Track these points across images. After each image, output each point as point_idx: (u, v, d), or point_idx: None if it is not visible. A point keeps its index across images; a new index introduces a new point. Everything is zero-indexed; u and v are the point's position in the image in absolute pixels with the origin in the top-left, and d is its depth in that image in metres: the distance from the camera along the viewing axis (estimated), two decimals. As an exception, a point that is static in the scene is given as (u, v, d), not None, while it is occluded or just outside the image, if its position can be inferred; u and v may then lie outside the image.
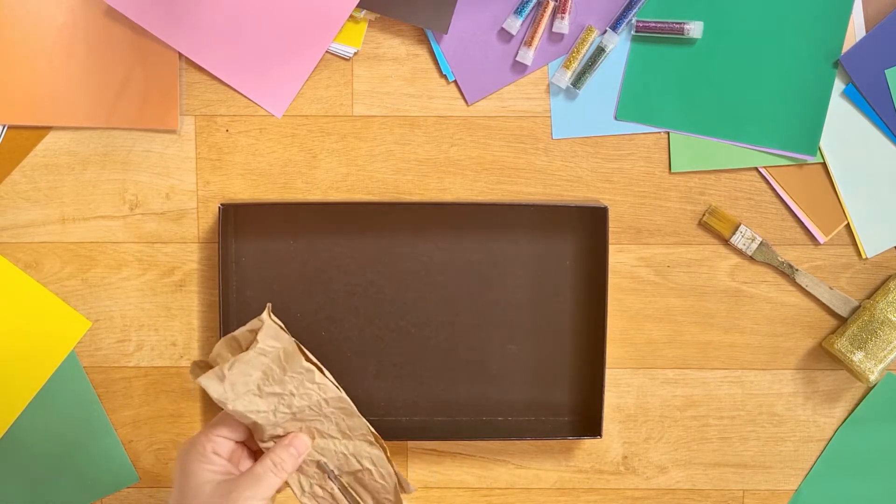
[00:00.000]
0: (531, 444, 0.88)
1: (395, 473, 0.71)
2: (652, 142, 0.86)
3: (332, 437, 0.70)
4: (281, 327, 0.69)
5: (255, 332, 0.68)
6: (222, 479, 0.65)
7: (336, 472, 0.70)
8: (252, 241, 0.86)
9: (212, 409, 0.88)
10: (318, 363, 0.70)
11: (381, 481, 0.71)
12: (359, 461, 0.71)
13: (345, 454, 0.70)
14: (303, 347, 0.69)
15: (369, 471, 0.71)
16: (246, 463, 0.68)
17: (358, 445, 0.71)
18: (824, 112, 0.84)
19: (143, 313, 0.87)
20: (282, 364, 0.68)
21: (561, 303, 0.86)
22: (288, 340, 0.69)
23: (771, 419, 0.88)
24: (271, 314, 0.69)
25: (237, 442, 0.68)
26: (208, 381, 0.67)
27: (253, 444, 0.70)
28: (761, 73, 0.84)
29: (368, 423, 0.71)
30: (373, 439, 0.71)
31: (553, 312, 0.86)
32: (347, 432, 0.70)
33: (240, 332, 0.69)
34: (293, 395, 0.69)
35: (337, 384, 0.70)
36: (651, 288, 0.87)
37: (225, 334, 0.83)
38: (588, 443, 0.88)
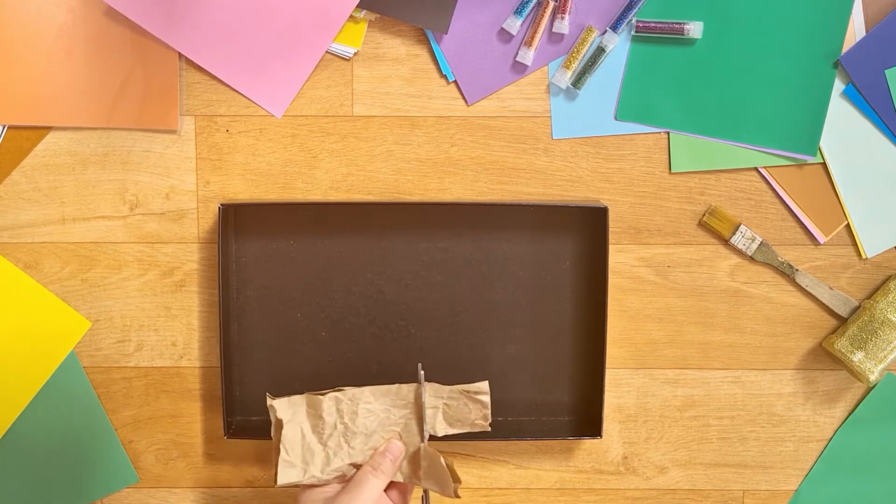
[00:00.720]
0: (531, 444, 0.88)
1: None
2: (652, 142, 0.86)
3: (403, 411, 0.76)
4: (286, 398, 0.75)
5: (276, 420, 0.74)
6: (327, 495, 0.72)
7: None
8: (252, 241, 0.86)
9: (212, 411, 0.88)
10: (330, 390, 0.76)
11: (457, 402, 0.76)
12: (439, 403, 0.78)
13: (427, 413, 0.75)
14: (314, 392, 0.75)
15: (446, 405, 0.77)
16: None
17: (427, 399, 0.77)
18: (824, 112, 0.84)
19: (143, 313, 0.87)
20: (315, 414, 0.74)
21: (561, 303, 0.86)
22: (300, 398, 0.75)
23: (771, 419, 0.88)
24: (272, 398, 0.75)
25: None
26: (285, 473, 0.73)
27: None
28: (761, 73, 0.84)
29: (405, 384, 0.76)
30: (422, 381, 0.76)
31: (553, 312, 0.86)
32: (406, 401, 0.76)
33: (274, 440, 0.75)
34: (345, 423, 0.74)
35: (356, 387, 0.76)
36: (651, 288, 0.87)
37: (225, 334, 0.83)
38: (588, 443, 0.88)
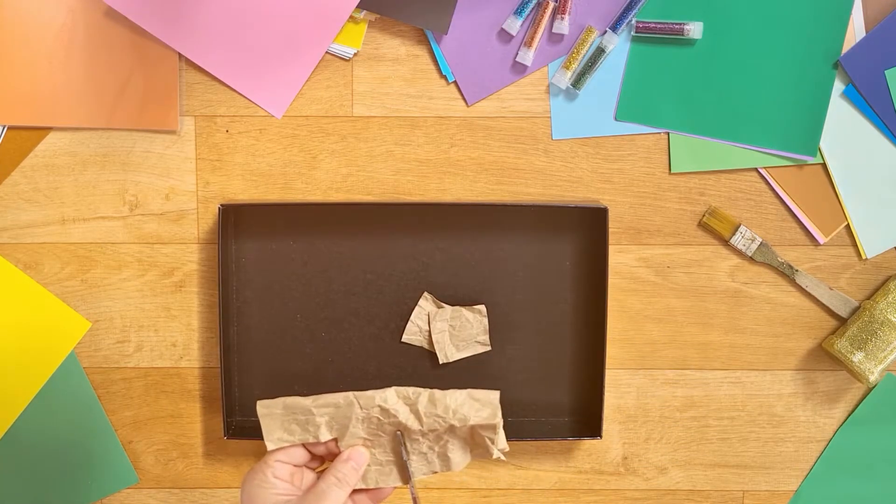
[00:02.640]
0: (531, 445, 0.88)
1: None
2: (652, 142, 0.86)
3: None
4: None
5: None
6: (286, 500, 0.67)
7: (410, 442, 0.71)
8: (252, 241, 0.86)
9: (211, 412, 0.88)
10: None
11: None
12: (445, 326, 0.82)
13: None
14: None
15: (451, 325, 0.81)
16: (309, 484, 0.70)
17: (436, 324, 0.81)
18: (824, 113, 0.84)
19: (142, 314, 0.87)
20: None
21: (561, 303, 0.86)
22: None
23: (771, 420, 0.88)
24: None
25: (296, 465, 0.70)
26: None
27: (313, 465, 0.71)
28: (761, 73, 0.84)
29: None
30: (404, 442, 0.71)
31: (553, 312, 0.86)
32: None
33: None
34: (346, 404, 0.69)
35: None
36: (651, 288, 0.87)
37: (224, 335, 0.83)
38: (588, 443, 0.88)
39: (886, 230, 0.86)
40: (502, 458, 0.68)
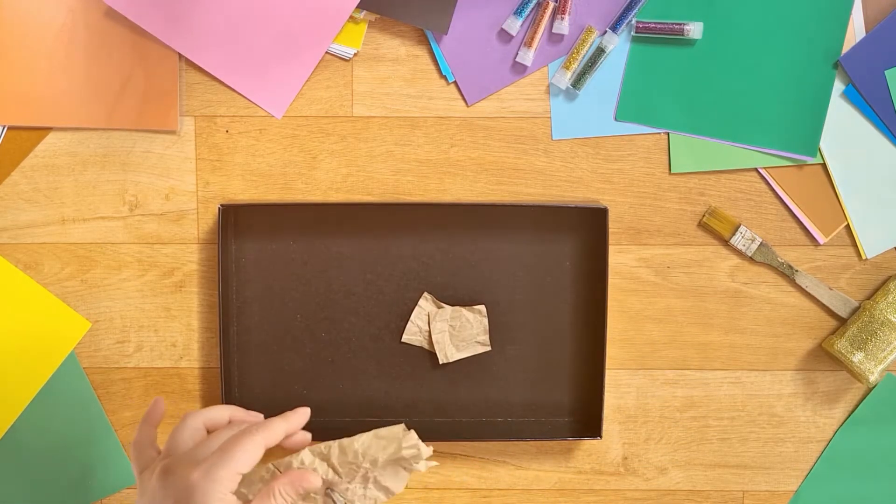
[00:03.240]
0: (531, 445, 0.88)
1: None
2: (652, 142, 0.86)
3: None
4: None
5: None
6: None
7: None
8: (252, 241, 0.86)
9: (212, 410, 0.88)
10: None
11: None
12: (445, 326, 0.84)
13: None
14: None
15: (451, 326, 0.83)
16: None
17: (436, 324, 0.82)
18: (824, 113, 0.84)
19: (142, 314, 0.87)
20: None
21: (561, 303, 0.86)
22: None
23: (771, 420, 0.88)
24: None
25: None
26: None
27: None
28: (761, 73, 0.84)
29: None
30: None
31: (553, 312, 0.86)
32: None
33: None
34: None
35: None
36: (651, 288, 0.87)
37: (224, 335, 0.83)
38: (588, 443, 0.88)
39: (886, 230, 0.86)
40: (433, 463, 0.67)
